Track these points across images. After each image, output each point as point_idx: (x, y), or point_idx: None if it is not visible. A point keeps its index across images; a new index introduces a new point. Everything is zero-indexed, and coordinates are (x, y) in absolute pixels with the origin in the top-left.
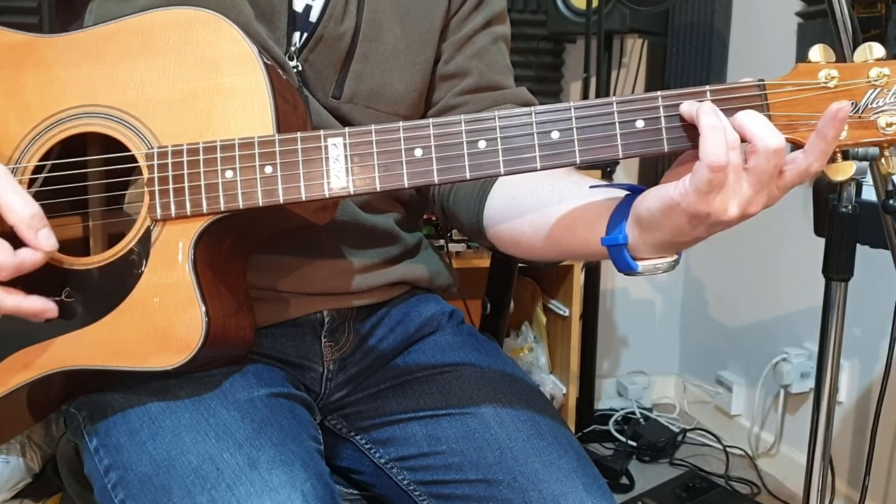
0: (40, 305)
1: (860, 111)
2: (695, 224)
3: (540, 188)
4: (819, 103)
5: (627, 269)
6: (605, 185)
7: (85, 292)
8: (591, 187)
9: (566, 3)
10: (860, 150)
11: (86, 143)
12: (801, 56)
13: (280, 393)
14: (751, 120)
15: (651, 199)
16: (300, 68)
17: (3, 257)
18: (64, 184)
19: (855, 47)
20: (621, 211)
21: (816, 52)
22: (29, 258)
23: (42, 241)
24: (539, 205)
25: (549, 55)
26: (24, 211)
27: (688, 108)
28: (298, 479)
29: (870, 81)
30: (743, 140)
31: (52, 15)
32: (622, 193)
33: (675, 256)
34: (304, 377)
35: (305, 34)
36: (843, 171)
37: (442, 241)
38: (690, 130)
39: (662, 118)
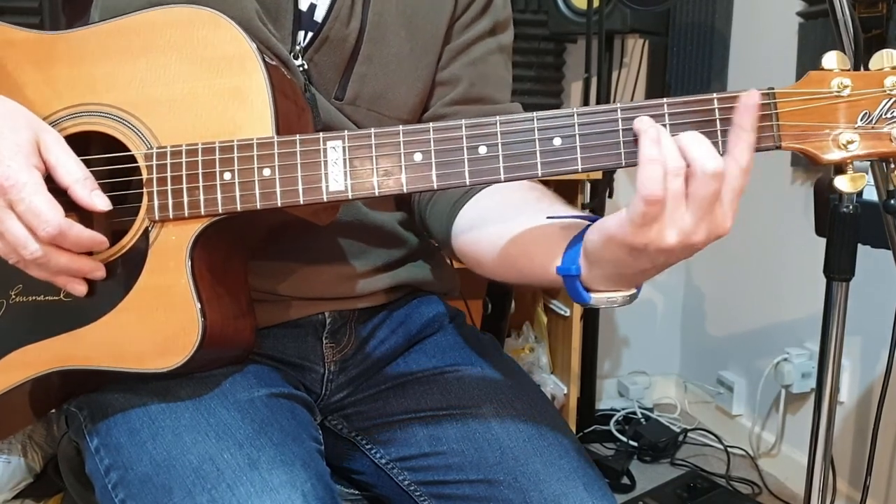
0: (90, 265)
1: (874, 121)
2: (636, 256)
3: (508, 212)
4: (830, 113)
5: (580, 301)
6: (564, 217)
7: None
8: (548, 217)
9: (567, 3)
10: None
11: (87, 141)
12: (803, 56)
13: (280, 393)
14: (691, 142)
15: (593, 231)
16: (305, 67)
17: (55, 215)
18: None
19: (856, 47)
20: (577, 242)
21: (831, 60)
22: (79, 234)
23: (97, 200)
24: (504, 229)
25: (549, 55)
26: (79, 172)
27: (637, 125)
28: (299, 479)
29: (885, 91)
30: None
31: (53, 14)
32: (583, 224)
33: (633, 290)
34: (305, 378)
35: (311, 33)
36: (856, 182)
37: None
38: None
39: (668, 126)
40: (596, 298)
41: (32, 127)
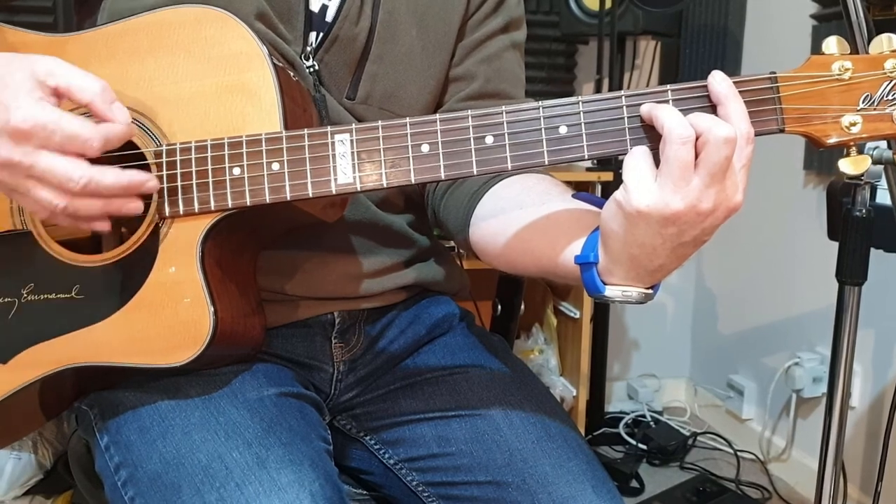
0: (141, 176)
1: (875, 103)
2: (644, 225)
3: (530, 202)
4: (833, 96)
5: (595, 292)
6: (585, 198)
7: (94, 290)
8: (573, 196)
9: (579, 5)
10: (875, 152)
11: None
12: None
13: (289, 393)
14: (702, 116)
15: (605, 207)
16: (316, 68)
17: (89, 129)
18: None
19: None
20: (597, 229)
21: (831, 44)
22: (113, 129)
23: (117, 113)
24: (525, 219)
25: (561, 56)
26: (96, 86)
27: (647, 109)
28: (307, 478)
29: (885, 73)
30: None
31: (67, 14)
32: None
33: (650, 290)
34: (314, 378)
35: (321, 34)
36: (859, 164)
37: (452, 243)
38: None
39: None
40: (611, 291)
41: (28, 64)
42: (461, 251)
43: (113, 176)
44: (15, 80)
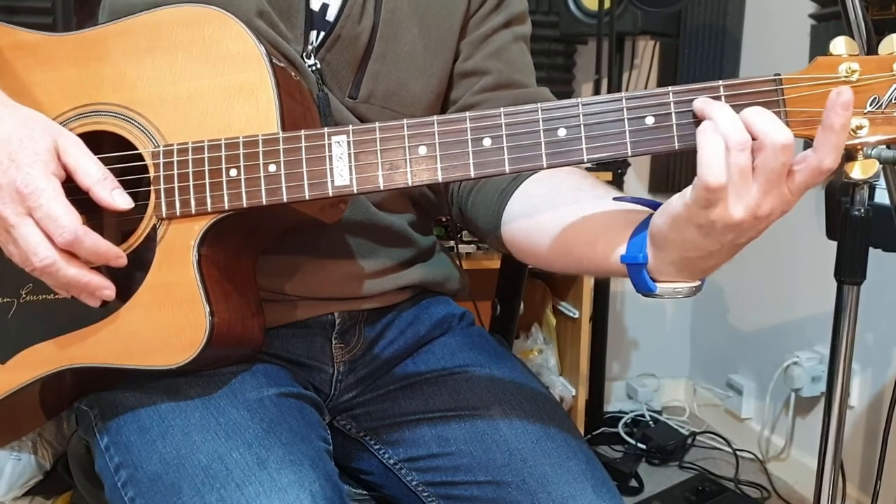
0: (100, 281)
1: (883, 106)
2: (704, 234)
3: (563, 199)
4: None
5: (646, 291)
6: (629, 200)
7: None
8: (614, 199)
9: (578, 5)
10: (874, 152)
11: (97, 141)
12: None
13: (289, 393)
14: (757, 116)
15: (658, 215)
16: (318, 67)
17: (72, 221)
18: (73, 182)
19: (869, 50)
20: (643, 229)
21: (839, 45)
22: (97, 243)
23: (118, 199)
24: (561, 217)
25: (560, 56)
26: (98, 173)
27: (700, 105)
28: (307, 479)
29: (894, 75)
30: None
31: (66, 15)
32: (647, 211)
33: (698, 282)
34: (314, 378)
35: (323, 33)
36: (867, 169)
37: (452, 243)
38: None
39: (673, 114)
40: (662, 288)
41: (50, 133)
42: (462, 251)
43: (75, 271)
44: (37, 146)
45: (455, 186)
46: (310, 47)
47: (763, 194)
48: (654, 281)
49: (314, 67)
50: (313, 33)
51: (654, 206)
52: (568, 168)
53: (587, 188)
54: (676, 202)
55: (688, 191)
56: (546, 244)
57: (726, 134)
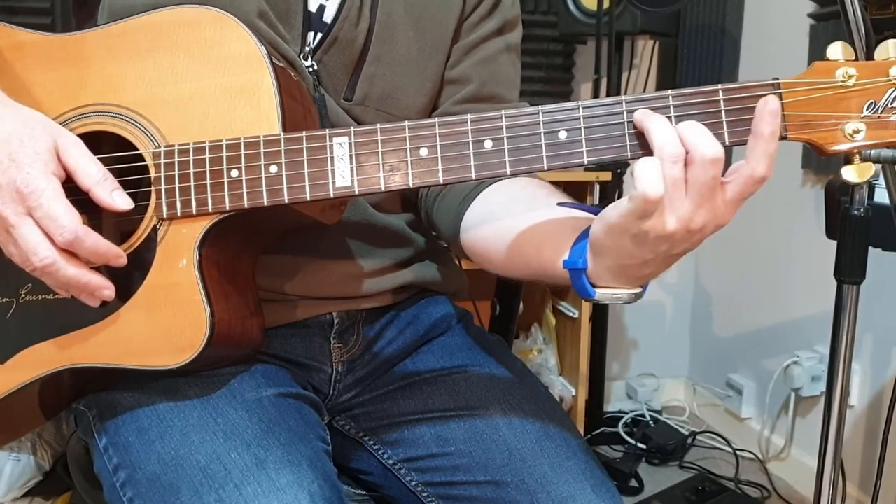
0: (100, 281)
1: (879, 111)
2: (637, 243)
3: (518, 206)
4: (836, 103)
5: (586, 296)
6: (571, 205)
7: None
8: (558, 204)
9: (577, 4)
10: (873, 152)
11: (97, 141)
12: (814, 58)
13: (288, 393)
14: (689, 130)
15: (597, 222)
16: (315, 68)
17: (72, 220)
18: (73, 182)
19: (868, 49)
20: (585, 236)
21: (836, 50)
22: (97, 242)
23: (118, 199)
24: (514, 223)
25: (559, 56)
26: (98, 174)
27: (640, 117)
28: (306, 479)
29: (890, 80)
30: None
31: (65, 16)
32: (593, 219)
33: (639, 289)
34: (313, 378)
35: (320, 34)
36: (863, 172)
37: None
38: None
39: (673, 118)
40: (601, 294)
41: (51, 133)
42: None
43: (75, 271)
44: (37, 145)
45: (424, 192)
46: (307, 48)
47: (696, 207)
48: (594, 286)
49: (311, 69)
50: (310, 35)
51: (597, 212)
52: (526, 178)
53: (542, 197)
54: (612, 212)
55: (625, 200)
56: (502, 250)
57: (660, 146)
